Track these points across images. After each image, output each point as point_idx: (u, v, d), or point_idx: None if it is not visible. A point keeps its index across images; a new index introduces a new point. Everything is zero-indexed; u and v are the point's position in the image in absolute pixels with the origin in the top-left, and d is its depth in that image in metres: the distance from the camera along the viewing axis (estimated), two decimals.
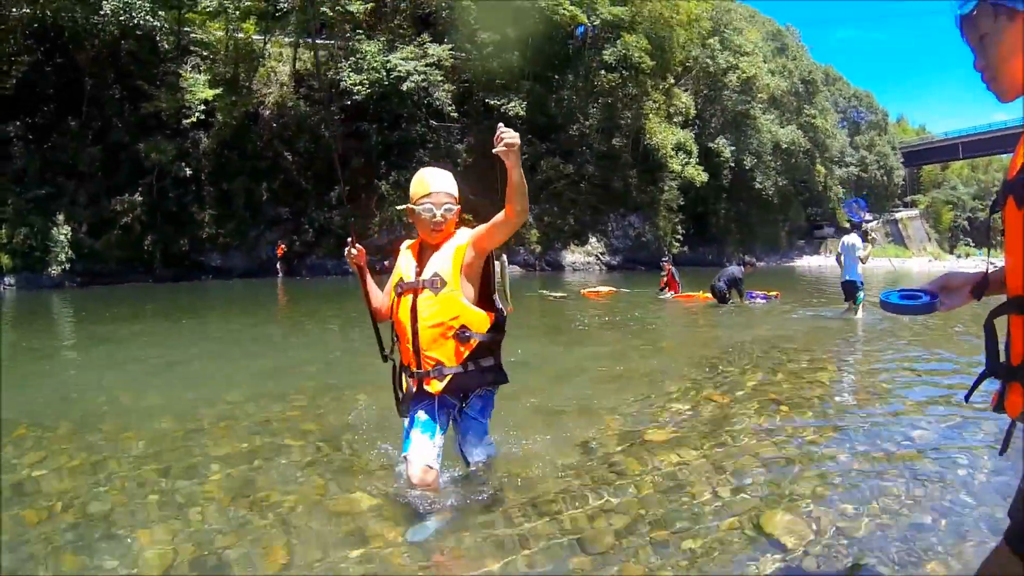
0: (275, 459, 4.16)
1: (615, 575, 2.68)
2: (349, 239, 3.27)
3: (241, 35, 29.67)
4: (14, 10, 25.42)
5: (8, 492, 3.74)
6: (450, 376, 3.11)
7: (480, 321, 3.15)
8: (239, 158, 27.62)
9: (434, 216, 3.10)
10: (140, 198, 25.90)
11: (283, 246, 28.04)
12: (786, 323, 11.53)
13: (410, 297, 3.15)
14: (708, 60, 46.15)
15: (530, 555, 2.83)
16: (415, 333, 3.13)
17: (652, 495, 3.45)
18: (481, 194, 36.45)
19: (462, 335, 3.09)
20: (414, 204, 3.16)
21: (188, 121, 26.28)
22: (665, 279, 17.47)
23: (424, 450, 3.14)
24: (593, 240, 39.08)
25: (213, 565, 2.84)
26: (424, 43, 31.11)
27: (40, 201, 24.37)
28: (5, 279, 23.26)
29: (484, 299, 3.24)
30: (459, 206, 3.21)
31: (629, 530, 3.05)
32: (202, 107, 26.35)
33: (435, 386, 3.13)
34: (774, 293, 15.89)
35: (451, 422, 3.30)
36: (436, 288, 3.09)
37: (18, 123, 25.52)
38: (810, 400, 5.53)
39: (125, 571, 2.82)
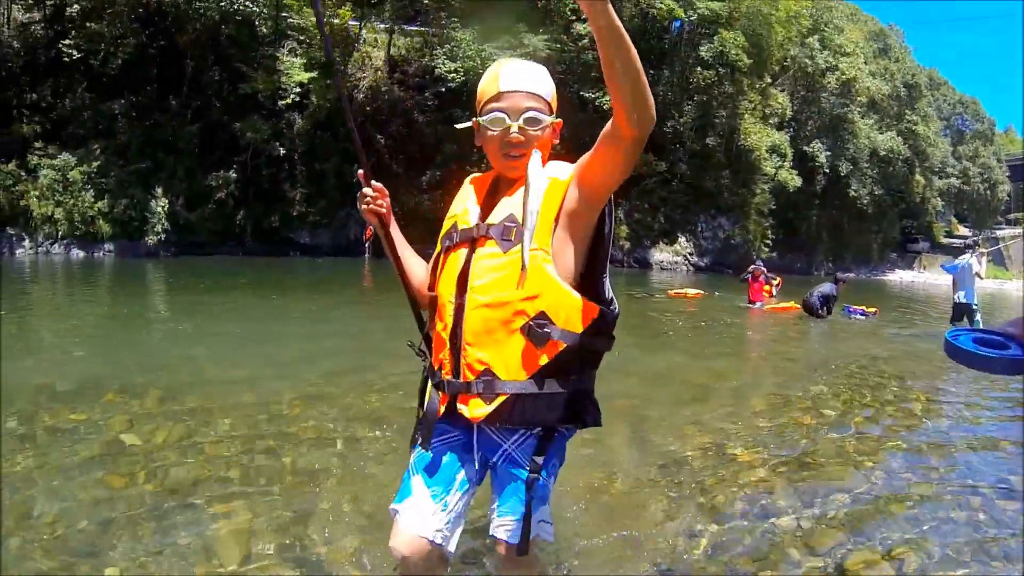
0: (353, 445, 4.18)
1: None
2: (359, 171, 2.03)
3: (337, 21, 29.85)
4: None
5: (96, 453, 3.86)
6: (506, 397, 1.77)
7: (573, 311, 1.78)
8: (332, 139, 27.79)
9: (508, 130, 1.84)
10: (234, 175, 26.64)
11: (371, 228, 28.03)
12: (881, 343, 10.99)
13: (463, 253, 1.88)
14: (806, 60, 44.39)
15: (607, 571, 2.73)
16: (458, 313, 1.83)
17: (737, 521, 3.29)
18: None
19: (538, 331, 1.74)
20: (479, 114, 1.92)
21: (284, 102, 26.89)
22: (749, 282, 16.23)
23: (424, 514, 1.85)
24: (682, 240, 38.04)
25: (288, 546, 2.84)
26: (520, 33, 30.74)
27: (141, 174, 25.45)
28: (105, 245, 24.73)
29: (589, 279, 1.87)
30: (555, 118, 1.92)
31: (712, 557, 2.91)
32: (297, 89, 26.93)
33: (476, 409, 1.79)
34: (872, 310, 15.26)
35: (489, 472, 1.96)
36: (509, 240, 1.80)
37: (123, 101, 26.65)
38: (901, 431, 5.23)
39: (199, 545, 2.83)
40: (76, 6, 27.21)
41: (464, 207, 1.98)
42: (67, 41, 26.01)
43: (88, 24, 26.64)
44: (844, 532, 3.20)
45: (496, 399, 1.77)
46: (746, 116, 39.31)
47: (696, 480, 3.80)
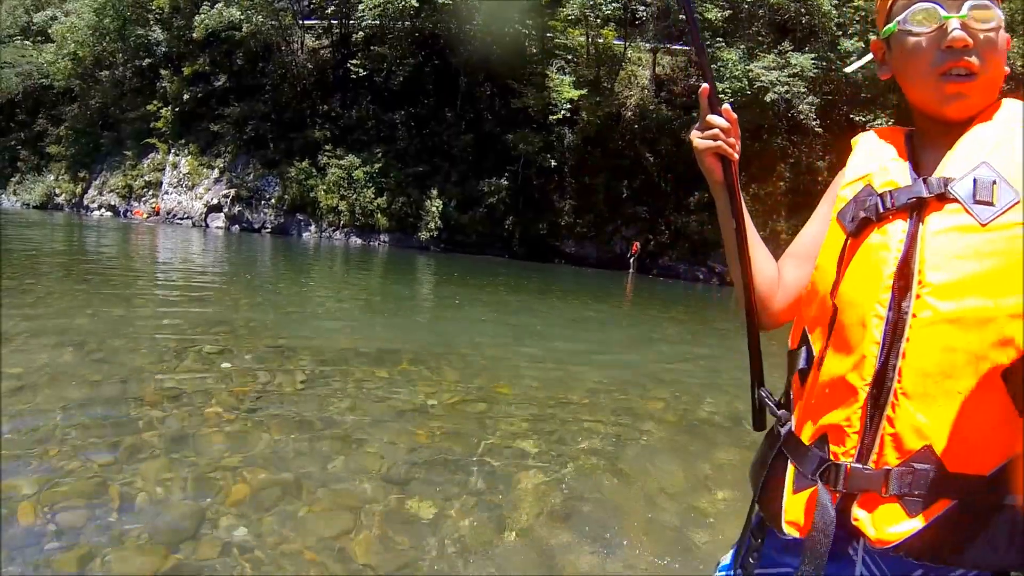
0: (636, 439, 4.49)
1: None
2: (702, 90, 1.18)
3: (601, 40, 30.07)
4: (398, 23, 29.88)
5: (403, 408, 4.63)
6: (948, 506, 0.90)
7: None
8: (601, 155, 27.97)
9: (943, 30, 1.01)
10: (506, 182, 27.62)
11: (637, 244, 27.49)
12: None
13: (897, 228, 1.01)
14: None
15: None
16: (891, 336, 0.96)
17: None
18: None
19: None
20: (887, 22, 1.11)
21: (554, 117, 27.39)
22: None
23: None
24: None
25: (577, 519, 3.19)
26: (785, 52, 29.24)
27: (417, 177, 27.68)
28: (381, 236, 27.74)
29: None
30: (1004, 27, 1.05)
31: None
32: (567, 105, 27.20)
33: (888, 523, 0.92)
34: None
35: None
36: (988, 204, 0.94)
37: (403, 112, 29.48)
38: None
39: (491, 499, 3.31)
40: (360, 33, 31.08)
41: (879, 164, 1.13)
42: (354, 61, 29.52)
43: (372, 48, 30.02)
44: None
45: (931, 508, 0.91)
46: None
47: None
